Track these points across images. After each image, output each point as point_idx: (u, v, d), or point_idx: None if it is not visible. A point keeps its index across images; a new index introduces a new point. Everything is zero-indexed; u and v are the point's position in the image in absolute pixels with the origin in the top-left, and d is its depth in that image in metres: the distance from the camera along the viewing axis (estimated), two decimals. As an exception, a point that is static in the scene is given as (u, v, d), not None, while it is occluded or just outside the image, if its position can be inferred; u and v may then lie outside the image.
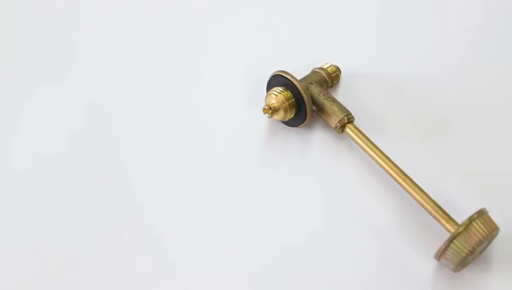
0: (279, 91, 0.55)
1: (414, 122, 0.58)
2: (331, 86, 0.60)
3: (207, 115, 0.60)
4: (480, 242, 0.47)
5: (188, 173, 0.57)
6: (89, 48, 0.67)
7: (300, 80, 0.57)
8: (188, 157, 0.58)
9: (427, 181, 0.52)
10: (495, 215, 0.49)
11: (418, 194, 0.51)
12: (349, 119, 0.55)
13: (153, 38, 0.67)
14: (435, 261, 0.49)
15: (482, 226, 0.47)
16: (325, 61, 0.60)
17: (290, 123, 0.58)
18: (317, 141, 0.58)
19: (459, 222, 0.48)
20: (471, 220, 0.47)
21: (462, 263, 0.48)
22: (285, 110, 0.55)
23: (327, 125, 0.57)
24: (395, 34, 0.65)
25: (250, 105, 0.60)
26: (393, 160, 0.53)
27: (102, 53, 0.66)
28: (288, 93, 0.55)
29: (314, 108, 0.57)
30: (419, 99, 0.59)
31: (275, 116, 0.56)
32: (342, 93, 0.60)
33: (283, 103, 0.55)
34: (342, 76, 0.61)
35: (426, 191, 0.51)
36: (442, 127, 0.58)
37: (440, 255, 0.48)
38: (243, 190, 0.56)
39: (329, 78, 0.59)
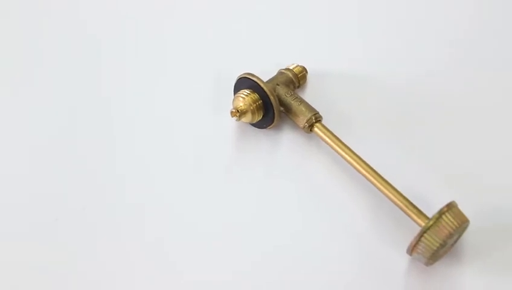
0: (246, 94, 0.55)
1: (381, 120, 0.58)
2: (298, 87, 0.60)
3: (175, 120, 0.60)
4: (451, 235, 0.47)
5: (158, 178, 0.56)
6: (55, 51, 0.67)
7: (266, 81, 0.57)
8: (157, 163, 0.57)
9: (397, 177, 0.52)
10: (465, 208, 0.49)
11: (388, 190, 0.51)
12: (317, 118, 0.55)
13: (119, 43, 0.66)
14: (408, 256, 0.50)
15: (451, 219, 0.47)
16: (291, 61, 0.60)
17: (259, 125, 0.58)
18: (286, 141, 0.58)
19: (430, 216, 0.48)
20: (440, 213, 0.47)
21: (433, 257, 0.48)
22: (253, 113, 0.55)
23: (295, 126, 0.57)
24: (361, 33, 0.65)
25: (218, 108, 0.59)
26: (362, 157, 0.53)
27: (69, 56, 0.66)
28: (255, 96, 0.55)
29: (282, 109, 0.57)
30: (386, 97, 0.60)
31: (243, 119, 0.56)
32: (309, 93, 0.60)
33: (250, 105, 0.55)
34: (309, 76, 0.61)
35: (396, 187, 0.51)
36: (409, 124, 0.58)
37: (412, 249, 0.48)
38: (214, 194, 0.55)
39: (296, 79, 0.59)
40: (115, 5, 0.70)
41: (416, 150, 0.56)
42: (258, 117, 0.56)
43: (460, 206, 0.49)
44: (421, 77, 0.61)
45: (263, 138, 0.58)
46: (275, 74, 0.59)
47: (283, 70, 0.59)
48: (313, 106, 0.56)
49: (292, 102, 0.56)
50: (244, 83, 0.56)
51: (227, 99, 0.57)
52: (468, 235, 0.51)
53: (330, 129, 0.55)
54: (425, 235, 0.47)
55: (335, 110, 0.58)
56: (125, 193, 0.56)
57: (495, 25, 0.65)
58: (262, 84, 0.55)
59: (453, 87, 0.60)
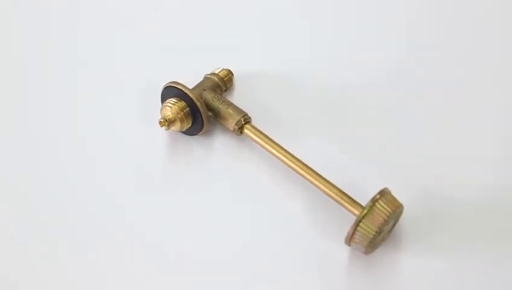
0: (173, 102, 0.55)
1: (310, 118, 0.58)
2: (226, 90, 0.60)
3: (103, 134, 0.59)
4: (386, 222, 0.48)
5: (91, 196, 0.55)
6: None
7: (192, 88, 0.57)
8: (88, 180, 0.56)
9: (331, 171, 0.52)
10: (400, 195, 0.50)
11: (321, 183, 0.51)
12: (246, 120, 0.55)
13: (45, 52, 0.65)
14: (348, 247, 0.50)
15: (385, 206, 0.48)
16: (216, 66, 0.60)
17: (189, 132, 0.57)
18: (218, 146, 0.57)
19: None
20: (374, 201, 0.48)
21: (371, 245, 0.49)
22: (182, 121, 0.55)
23: (226, 129, 0.57)
24: (285, 33, 0.65)
25: (147, 119, 0.58)
26: (294, 154, 0.53)
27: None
28: (182, 104, 0.55)
29: (211, 114, 0.56)
30: (313, 95, 0.60)
31: (173, 128, 0.55)
32: (237, 96, 0.60)
33: (178, 113, 0.55)
34: (235, 79, 0.61)
35: (329, 180, 0.51)
36: (337, 119, 0.58)
37: (349, 239, 0.48)
38: (151, 206, 0.55)
39: (222, 83, 0.59)
40: (40, 14, 0.68)
41: (346, 143, 0.57)
42: (187, 125, 0.56)
43: (395, 194, 0.49)
44: (349, 73, 0.61)
45: (195, 145, 0.58)
46: (202, 79, 0.59)
47: (209, 76, 0.59)
48: (242, 108, 0.56)
49: (220, 106, 0.56)
50: (170, 91, 0.56)
51: (156, 109, 0.57)
52: (404, 221, 0.52)
53: (260, 129, 0.55)
54: (360, 224, 0.47)
55: (264, 111, 0.58)
56: (57, 209, 0.55)
57: (429, 25, 0.65)
58: (187, 92, 0.55)
59: (380, 83, 0.61)
